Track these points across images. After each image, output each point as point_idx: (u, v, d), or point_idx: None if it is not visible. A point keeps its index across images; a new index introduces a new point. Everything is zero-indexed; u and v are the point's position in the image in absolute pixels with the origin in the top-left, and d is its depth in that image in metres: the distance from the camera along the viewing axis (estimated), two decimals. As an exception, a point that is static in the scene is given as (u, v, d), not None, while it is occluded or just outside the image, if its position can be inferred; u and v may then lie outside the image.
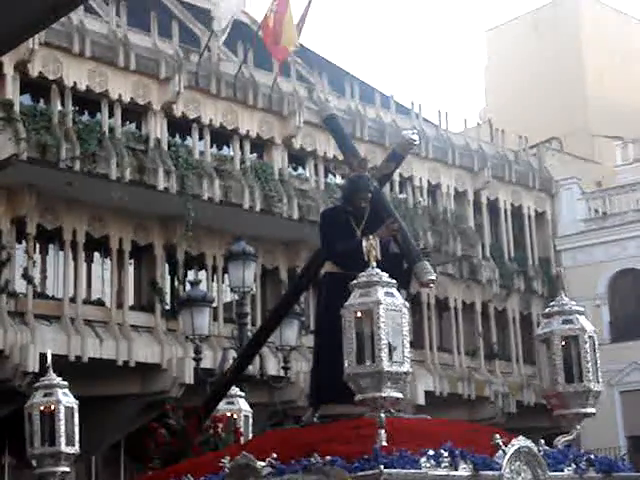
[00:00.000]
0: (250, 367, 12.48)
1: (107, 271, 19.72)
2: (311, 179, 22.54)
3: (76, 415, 7.71)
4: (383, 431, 5.69)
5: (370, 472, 5.43)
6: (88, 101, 19.27)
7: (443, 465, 5.64)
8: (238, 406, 9.10)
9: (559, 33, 32.44)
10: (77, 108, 19.01)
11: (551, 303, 6.90)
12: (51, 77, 18.63)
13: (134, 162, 18.96)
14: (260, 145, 21.86)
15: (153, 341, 19.25)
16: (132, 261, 20.14)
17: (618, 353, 25.22)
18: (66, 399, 7.71)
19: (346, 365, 5.82)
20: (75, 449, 7.68)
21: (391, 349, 5.71)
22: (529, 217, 27.30)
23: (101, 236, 19.41)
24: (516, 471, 5.91)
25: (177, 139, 20.52)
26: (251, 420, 9.22)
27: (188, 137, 20.66)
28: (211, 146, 20.94)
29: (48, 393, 7.77)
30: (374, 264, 6.01)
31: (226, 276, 17.98)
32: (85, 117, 19.21)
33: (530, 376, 25.72)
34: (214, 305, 17.22)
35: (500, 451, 5.86)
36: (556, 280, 26.63)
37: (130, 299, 19.75)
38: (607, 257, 26.12)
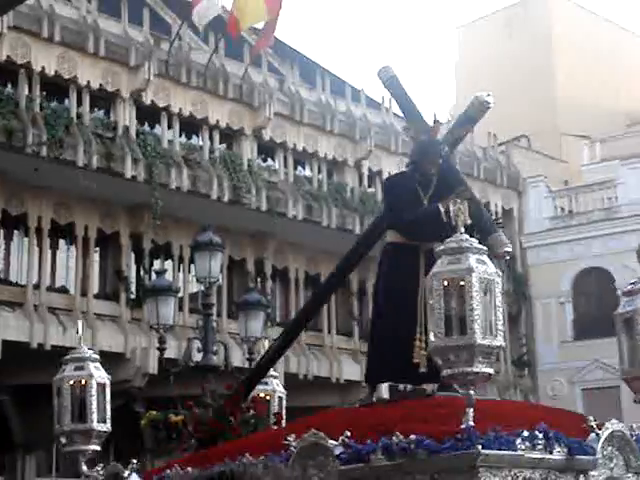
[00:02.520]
0: (215, 357, 12.45)
1: (72, 258, 19.56)
2: (280, 171, 22.49)
3: (108, 391, 7.18)
4: (472, 410, 5.22)
5: (466, 452, 4.98)
6: (56, 86, 19.08)
7: (538, 448, 5.22)
8: (272, 387, 8.73)
9: (530, 32, 32.61)
10: (45, 93, 18.80)
11: (633, 280, 6.41)
12: (19, 61, 18.40)
13: (102, 149, 18.81)
14: (229, 135, 21.77)
15: (117, 330, 19.13)
16: (97, 249, 19.98)
17: (581, 351, 25.48)
18: (98, 373, 7.16)
19: (432, 338, 5.32)
20: (107, 427, 7.15)
21: (485, 321, 5.24)
22: (496, 214, 27.42)
23: (67, 223, 19.23)
24: (609, 457, 5.52)
25: (146, 127, 20.38)
26: (285, 402, 8.84)
27: (157, 125, 20.53)
28: (180, 135, 20.82)
29: (79, 367, 7.16)
30: (462, 229, 5.47)
31: (192, 266, 17.88)
32: (53, 103, 19.01)
33: (495, 372, 25.85)
34: (180, 295, 17.11)
35: (593, 435, 5.44)
36: (521, 277, 26.85)
37: (95, 287, 19.60)
38: (572, 255, 26.33)
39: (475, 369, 5.20)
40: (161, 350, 12.44)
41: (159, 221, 19.43)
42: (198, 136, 21.30)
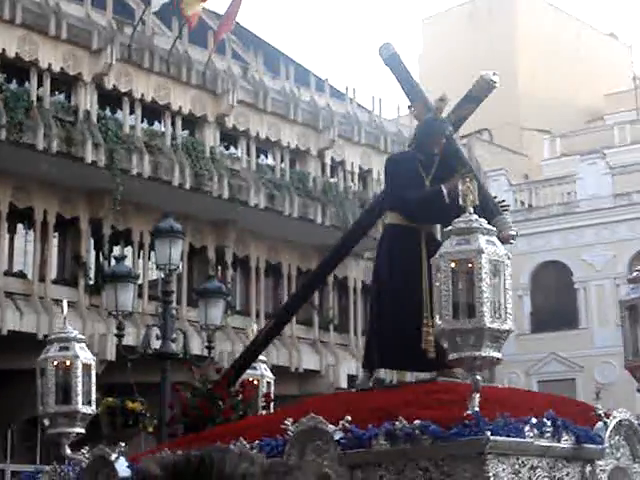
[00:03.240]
0: (173, 345, 12.41)
1: (30, 243, 19.35)
2: (243, 159, 22.42)
3: (93, 373, 6.94)
4: (478, 395, 5.07)
5: (474, 438, 4.80)
6: (16, 69, 18.81)
7: (546, 435, 5.05)
8: (260, 371, 8.49)
9: (494, 26, 32.79)
10: (5, 76, 18.53)
11: (638, 267, 6.34)
12: (-22, 42, 18.14)
13: (62, 133, 18.60)
14: (192, 122, 21.64)
15: (75, 316, 18.96)
16: (56, 234, 19.79)
17: (538, 343, 25.76)
18: (84, 354, 6.88)
19: (438, 320, 5.13)
20: (92, 409, 6.90)
21: (494, 304, 5.03)
22: (457, 206, 27.63)
23: (25, 207, 19.00)
24: (615, 446, 5.35)
25: (107, 112, 20.18)
26: (273, 388, 8.69)
27: (119, 110, 20.34)
28: (142, 121, 20.64)
29: (64, 347, 6.87)
30: (471, 209, 5.25)
31: (152, 253, 17.79)
32: (13, 85, 18.75)
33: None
34: (139, 282, 17.02)
35: (600, 423, 5.29)
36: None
37: (53, 272, 19.41)
38: (531, 249, 26.58)
39: (483, 353, 5.03)
40: (119, 337, 12.39)
41: (119, 207, 19.28)
42: (160, 122, 21.14)
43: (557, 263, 26.61)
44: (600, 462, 5.25)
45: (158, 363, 12.28)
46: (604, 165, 26.57)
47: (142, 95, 20.43)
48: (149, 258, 20.14)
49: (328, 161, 24.11)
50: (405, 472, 5.07)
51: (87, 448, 6.67)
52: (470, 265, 5.06)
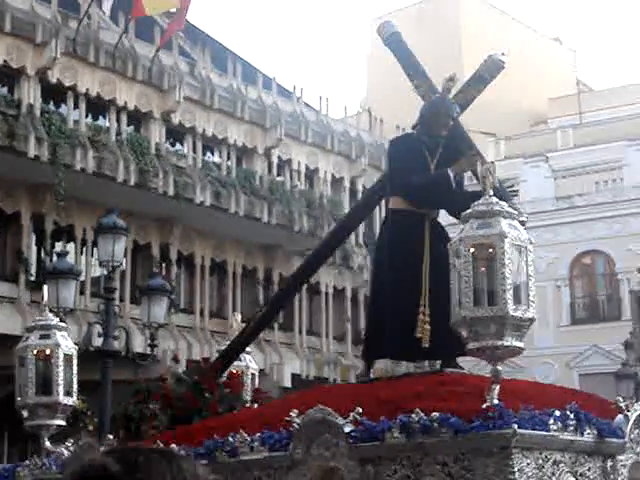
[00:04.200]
0: (115, 343, 12.28)
1: (-30, 238, 18.99)
2: (189, 156, 22.27)
3: (75, 362, 6.58)
4: (498, 387, 4.79)
5: (500, 432, 4.53)
6: (-42, 60, 18.47)
7: (569, 429, 4.81)
8: (245, 363, 8.27)
9: (441, 28, 33.04)
10: (-55, 67, 18.17)
11: None
12: None
13: (4, 127, 18.29)
14: (137, 118, 21.44)
15: (15, 312, 18.66)
16: (-3, 229, 19.46)
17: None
18: (65, 343, 6.55)
19: (458, 308, 4.82)
20: (73, 400, 6.57)
21: (516, 291, 4.76)
22: (402, 207, 27.78)
23: (-35, 202, 18.67)
24: (636, 440, 5.12)
25: (51, 106, 19.90)
26: (257, 380, 8.47)
27: (63, 105, 20.06)
28: (86, 116, 20.40)
29: (45, 335, 6.53)
30: (491, 192, 4.95)
31: (95, 249, 17.57)
32: (-46, 77, 18.41)
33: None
34: (81, 278, 16.81)
35: (621, 416, 5.04)
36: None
37: (-7, 268, 19.09)
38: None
39: (505, 342, 4.74)
40: (60, 334, 12.20)
41: (62, 202, 19.01)
42: (105, 117, 20.91)
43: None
44: (621, 457, 5.04)
45: (100, 361, 12.14)
46: (547, 168, 26.94)
47: (87, 90, 20.18)
48: (92, 254, 19.90)
49: (275, 160, 24.08)
50: (421, 467, 4.80)
51: (72, 441, 6.47)
52: (492, 250, 4.77)
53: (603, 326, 24.20)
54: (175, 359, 9.24)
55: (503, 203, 4.96)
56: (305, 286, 24.87)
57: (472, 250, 4.82)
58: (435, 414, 4.74)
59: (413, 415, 4.79)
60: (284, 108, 24.39)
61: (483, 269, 4.82)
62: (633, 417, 5.05)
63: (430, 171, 6.35)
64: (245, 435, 5.37)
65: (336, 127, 25.98)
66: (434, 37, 32.99)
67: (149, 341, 13.11)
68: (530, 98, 33.46)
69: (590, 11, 65.57)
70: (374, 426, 4.90)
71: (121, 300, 18.95)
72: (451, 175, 6.18)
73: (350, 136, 26.25)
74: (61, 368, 6.50)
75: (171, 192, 20.68)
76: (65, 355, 6.55)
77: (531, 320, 4.81)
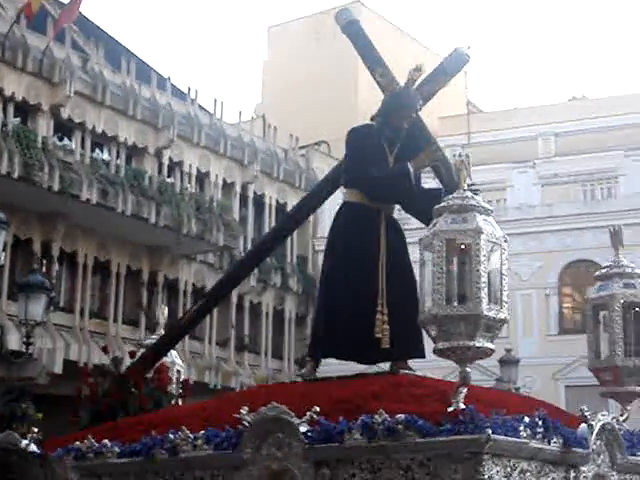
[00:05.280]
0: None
1: None
2: (77, 152, 21.77)
3: None
4: (466, 390, 4.60)
5: (472, 437, 4.30)
6: None
7: (537, 436, 4.59)
8: (171, 358, 7.91)
9: (337, 40, 33.12)
10: None
11: (606, 264, 5.79)
12: None
13: None
14: (25, 110, 20.84)
15: None
16: None
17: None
18: None
19: (428, 306, 4.61)
20: None
21: (491, 290, 4.56)
22: (292, 215, 27.85)
23: None
24: (597, 451, 4.92)
25: None
26: (183, 376, 8.14)
27: (-54, 91, 19.35)
28: (-29, 104, 19.73)
29: None
30: (465, 186, 4.76)
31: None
32: None
33: (276, 370, 26.26)
34: (-44, 272, 16.20)
35: (584, 425, 4.83)
36: (312, 279, 27.36)
37: None
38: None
39: (477, 343, 4.56)
40: None
41: (-60, 192, 18.31)
42: (-10, 107, 20.26)
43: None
44: (584, 467, 4.87)
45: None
46: (435, 185, 27.39)
47: (-27, 77, 19.53)
48: (-31, 248, 19.21)
49: (166, 161, 23.80)
50: (382, 471, 4.58)
51: None
52: (467, 246, 4.58)
53: None
54: (105, 350, 8.78)
55: (478, 198, 4.77)
56: (191, 290, 24.69)
57: (447, 245, 4.62)
58: (401, 416, 4.50)
59: (376, 416, 4.54)
60: (178, 109, 24.14)
61: (457, 266, 4.62)
62: (597, 427, 4.88)
63: (389, 165, 6.09)
64: (188, 432, 5.08)
65: (230, 132, 25.88)
66: (331, 49, 33.26)
67: (24, 339, 12.73)
68: (422, 116, 34.07)
69: (483, 33, 67.48)
70: (333, 427, 4.65)
71: (-2, 296, 18.37)
72: (411, 169, 5.96)
73: (243, 141, 26.19)
74: None
75: (56, 187, 20.16)
76: None
77: (503, 321, 4.65)
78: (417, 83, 6.37)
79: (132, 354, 7.91)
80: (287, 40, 34.08)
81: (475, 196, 4.80)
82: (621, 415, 5.57)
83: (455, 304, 4.58)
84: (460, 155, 4.88)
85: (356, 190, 6.13)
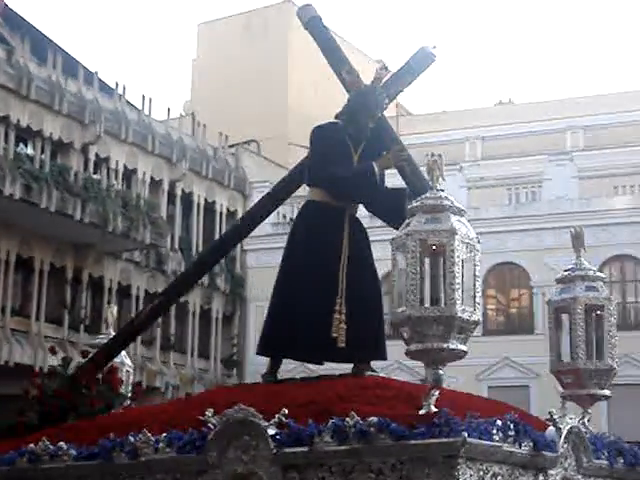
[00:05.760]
0: None
1: None
2: (0, 146, 21.27)
3: None
4: (438, 392, 4.56)
5: (447, 440, 4.24)
6: None
7: (509, 440, 4.56)
8: (120, 359, 7.71)
9: (268, 40, 33.25)
10: None
11: (569, 266, 5.73)
12: None
13: None
14: (-54, 102, 20.29)
15: None
16: None
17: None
18: None
19: (402, 307, 4.53)
20: None
21: (465, 291, 4.52)
22: (221, 214, 27.69)
23: None
24: (564, 455, 4.90)
25: None
26: (132, 378, 7.93)
27: None
28: None
29: None
30: (438, 185, 4.73)
31: None
32: None
33: (202, 369, 26.07)
34: None
35: (552, 429, 4.81)
36: (240, 278, 27.24)
37: None
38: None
39: (451, 345, 4.55)
40: None
41: None
42: None
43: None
44: (552, 471, 4.86)
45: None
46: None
47: None
48: None
49: (92, 157, 23.41)
50: (353, 474, 4.51)
51: None
52: (440, 247, 4.53)
53: (515, 338, 24.07)
54: (52, 351, 8.43)
55: (452, 198, 4.75)
56: (116, 289, 24.33)
57: (423, 246, 4.57)
58: (373, 418, 4.43)
59: (348, 419, 4.46)
60: (105, 105, 23.78)
61: (431, 266, 4.57)
62: (565, 430, 4.86)
63: (353, 164, 6.04)
64: (149, 434, 4.94)
65: (158, 129, 25.59)
66: (262, 47, 33.18)
67: None
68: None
69: (413, 37, 68.09)
70: (302, 429, 4.56)
71: None
72: (377, 170, 5.91)
73: (172, 139, 25.93)
74: None
75: (-22, 182, 19.67)
76: None
77: (476, 323, 4.63)
78: (383, 82, 6.33)
79: (84, 354, 7.65)
80: (217, 38, 33.85)
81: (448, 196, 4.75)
82: (582, 418, 5.59)
83: (429, 305, 4.52)
84: (433, 155, 4.84)
85: (320, 189, 6.07)
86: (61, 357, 7.67)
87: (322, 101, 33.41)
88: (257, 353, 6.30)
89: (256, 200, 29.20)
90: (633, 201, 24.45)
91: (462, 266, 4.58)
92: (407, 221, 4.73)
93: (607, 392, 5.60)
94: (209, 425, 4.75)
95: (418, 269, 4.55)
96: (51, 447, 5.33)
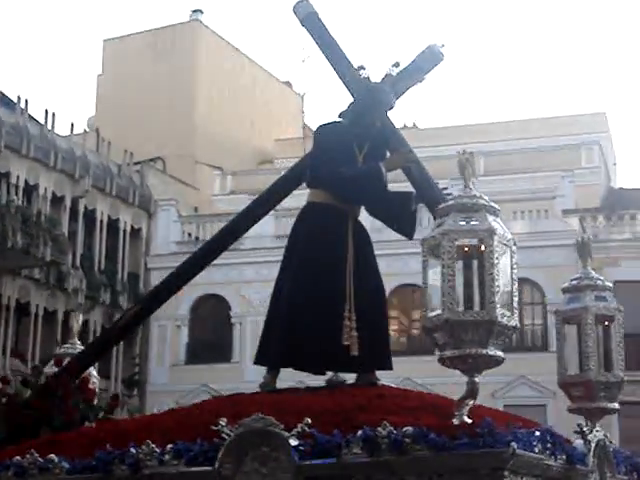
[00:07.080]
0: None
1: None
2: None
3: None
4: (472, 402, 4.28)
5: (494, 451, 3.96)
6: None
7: (547, 452, 4.32)
8: (88, 371, 7.28)
9: (175, 58, 33.09)
10: None
11: (576, 275, 5.55)
12: None
13: None
14: None
15: None
16: None
17: (191, 374, 26.01)
18: None
19: (438, 311, 4.24)
20: None
21: (504, 295, 4.27)
22: (124, 232, 27.33)
23: None
24: (592, 469, 4.72)
25: None
26: (97, 390, 7.47)
27: None
28: None
29: None
30: (471, 183, 4.45)
31: None
32: None
33: (103, 389, 25.56)
34: None
35: (581, 441, 4.59)
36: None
37: None
38: (192, 281, 26.74)
39: (490, 351, 4.25)
40: None
41: None
42: None
43: (216, 296, 27.14)
44: None
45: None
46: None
47: None
48: None
49: (-8, 172, 22.88)
50: None
51: None
52: (477, 248, 4.26)
53: (530, 356, 23.27)
54: (3, 381, 7.88)
55: (486, 197, 4.48)
56: (14, 305, 23.71)
57: (457, 246, 4.28)
58: (408, 428, 4.12)
59: (379, 429, 4.14)
60: (6, 119, 23.27)
61: (469, 268, 4.30)
62: (594, 443, 4.66)
63: (357, 164, 5.77)
64: (152, 445, 4.56)
65: (61, 144, 25.16)
66: (169, 67, 32.99)
67: None
68: (259, 137, 34.32)
69: (317, 59, 68.73)
70: (328, 440, 4.23)
71: None
72: (384, 171, 5.66)
73: (75, 155, 25.51)
74: None
75: None
76: None
77: (515, 328, 4.39)
78: (395, 80, 6.12)
79: (58, 362, 7.20)
80: (123, 54, 33.51)
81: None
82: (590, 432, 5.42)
83: (466, 309, 4.28)
84: (464, 152, 4.56)
85: (322, 190, 5.83)
86: (32, 366, 7.33)
87: (230, 121, 33.41)
88: (255, 363, 5.90)
89: (161, 219, 28.81)
90: (529, 226, 25.15)
91: (500, 268, 4.36)
92: (439, 221, 4.47)
93: (617, 405, 5.34)
94: (223, 435, 4.41)
95: (455, 271, 4.29)
96: (40, 460, 4.91)
